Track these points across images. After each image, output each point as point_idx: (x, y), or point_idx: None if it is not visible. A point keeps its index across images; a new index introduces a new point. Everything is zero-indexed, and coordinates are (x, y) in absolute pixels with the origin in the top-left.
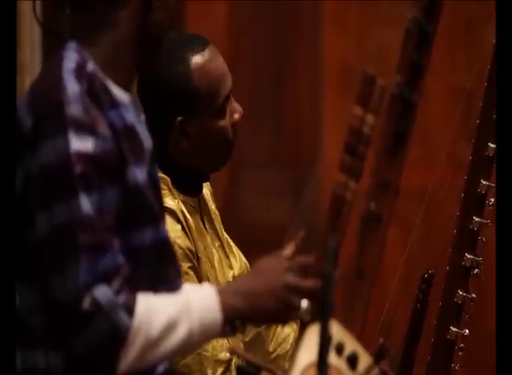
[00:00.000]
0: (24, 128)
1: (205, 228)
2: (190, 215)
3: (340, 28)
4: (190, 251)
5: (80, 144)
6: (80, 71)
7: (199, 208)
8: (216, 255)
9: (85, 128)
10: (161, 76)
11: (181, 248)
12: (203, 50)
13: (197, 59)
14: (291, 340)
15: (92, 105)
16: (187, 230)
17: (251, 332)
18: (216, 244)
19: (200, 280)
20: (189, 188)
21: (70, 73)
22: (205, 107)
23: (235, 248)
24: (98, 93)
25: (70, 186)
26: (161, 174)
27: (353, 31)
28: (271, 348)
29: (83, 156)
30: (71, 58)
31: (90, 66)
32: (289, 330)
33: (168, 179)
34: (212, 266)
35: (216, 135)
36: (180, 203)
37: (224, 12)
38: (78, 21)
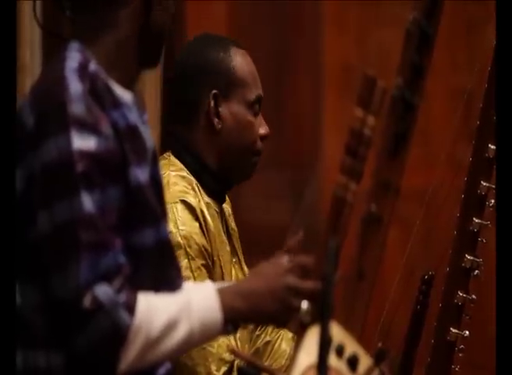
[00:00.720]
0: (26, 127)
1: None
2: (213, 219)
3: (340, 28)
4: (206, 249)
5: (82, 142)
6: (82, 70)
7: (221, 217)
8: (233, 270)
9: (87, 127)
10: (202, 53)
11: (197, 243)
12: (243, 49)
13: (237, 51)
14: (287, 356)
15: (94, 105)
16: (205, 230)
17: (251, 348)
18: (233, 260)
19: (212, 280)
20: (214, 191)
21: (73, 73)
22: (239, 93)
23: None
24: (101, 92)
25: (72, 184)
26: (184, 174)
27: (354, 32)
28: (266, 363)
29: (85, 155)
30: (74, 57)
31: (93, 66)
32: (285, 347)
33: (193, 179)
34: (228, 274)
35: (245, 127)
36: (202, 203)
37: (224, 12)
38: (79, 22)
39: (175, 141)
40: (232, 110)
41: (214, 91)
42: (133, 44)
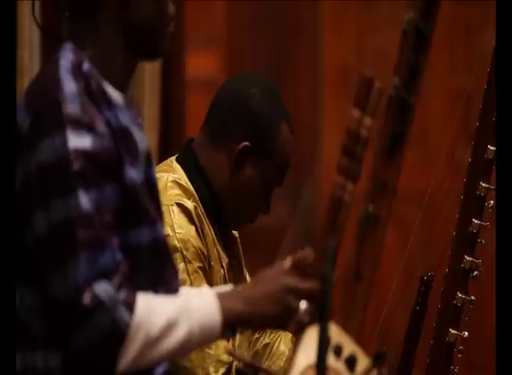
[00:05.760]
0: (22, 127)
1: (225, 250)
2: (209, 224)
3: (339, 29)
4: (202, 252)
5: (78, 141)
6: (76, 70)
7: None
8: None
9: (83, 126)
10: (254, 104)
11: (193, 246)
12: (293, 132)
13: (287, 130)
14: (285, 357)
15: (89, 104)
16: (200, 234)
17: (250, 351)
18: (223, 265)
19: (209, 284)
20: (210, 207)
21: (67, 72)
22: (266, 166)
23: None
24: (95, 92)
25: (68, 183)
26: (183, 182)
27: (352, 32)
28: (265, 365)
29: (81, 153)
30: (67, 57)
31: (86, 66)
32: (284, 348)
33: (192, 189)
34: (228, 279)
35: (251, 197)
36: (198, 210)
37: (223, 13)
38: (72, 22)
39: (186, 148)
40: (250, 173)
41: (246, 143)
42: (118, 42)
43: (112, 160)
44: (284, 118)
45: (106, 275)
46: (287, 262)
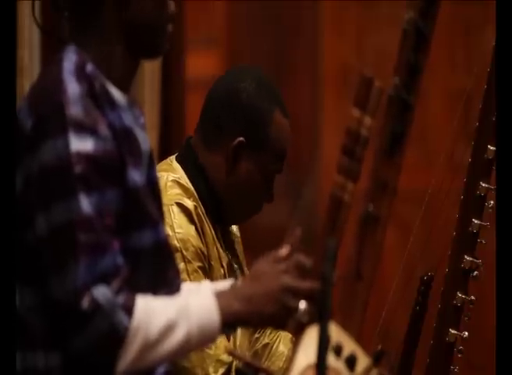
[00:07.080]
0: (25, 129)
1: (226, 249)
2: (209, 224)
3: (339, 28)
4: (202, 252)
5: (80, 144)
6: (79, 72)
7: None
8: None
9: (85, 129)
10: (250, 93)
11: (193, 246)
12: (286, 117)
13: (281, 116)
14: (284, 357)
15: (92, 106)
16: (200, 233)
17: (250, 350)
18: (224, 264)
19: None
20: (210, 205)
21: (70, 74)
22: (262, 156)
23: None
24: (98, 94)
25: (70, 186)
26: (183, 182)
27: (352, 32)
28: (264, 365)
29: (83, 157)
30: (70, 59)
31: (89, 67)
32: (283, 349)
33: (192, 188)
34: (226, 276)
35: (252, 189)
36: (199, 209)
37: (223, 12)
38: (74, 23)
39: (185, 147)
40: (248, 167)
41: (241, 139)
42: (118, 42)
43: (115, 163)
44: (276, 105)
45: (105, 279)
46: (282, 252)
